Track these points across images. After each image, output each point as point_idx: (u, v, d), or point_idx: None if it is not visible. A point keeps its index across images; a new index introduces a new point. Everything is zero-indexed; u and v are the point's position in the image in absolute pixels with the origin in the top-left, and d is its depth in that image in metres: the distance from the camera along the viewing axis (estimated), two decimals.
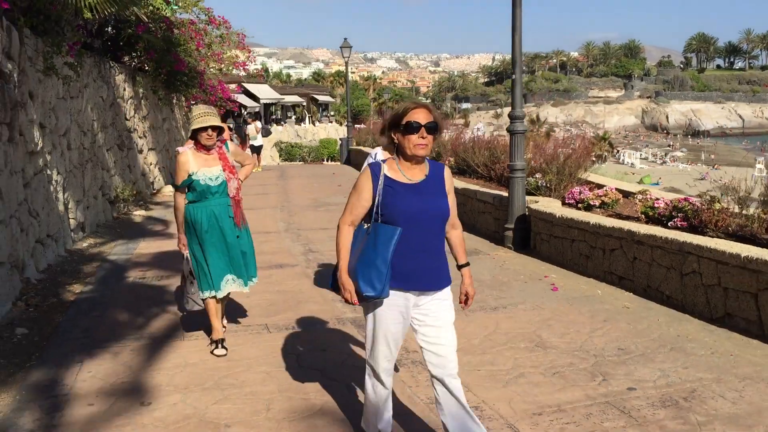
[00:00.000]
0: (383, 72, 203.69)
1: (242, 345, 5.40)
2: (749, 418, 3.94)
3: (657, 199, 8.32)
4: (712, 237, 6.47)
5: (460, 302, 3.42)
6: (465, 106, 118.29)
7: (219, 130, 5.17)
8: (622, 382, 4.49)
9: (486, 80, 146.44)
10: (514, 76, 8.81)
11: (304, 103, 57.75)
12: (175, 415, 4.13)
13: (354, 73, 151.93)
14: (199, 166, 5.12)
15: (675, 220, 7.48)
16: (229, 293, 5.34)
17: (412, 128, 3.16)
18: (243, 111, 36.07)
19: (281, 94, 52.92)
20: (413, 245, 3.19)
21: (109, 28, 13.42)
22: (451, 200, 3.36)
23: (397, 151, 3.29)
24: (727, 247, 5.64)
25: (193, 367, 4.95)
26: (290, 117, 55.49)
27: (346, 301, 3.27)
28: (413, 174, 3.26)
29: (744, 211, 7.12)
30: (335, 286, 3.36)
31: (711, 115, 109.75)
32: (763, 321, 5.29)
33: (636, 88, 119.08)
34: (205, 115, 5.07)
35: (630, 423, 3.89)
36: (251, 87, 44.61)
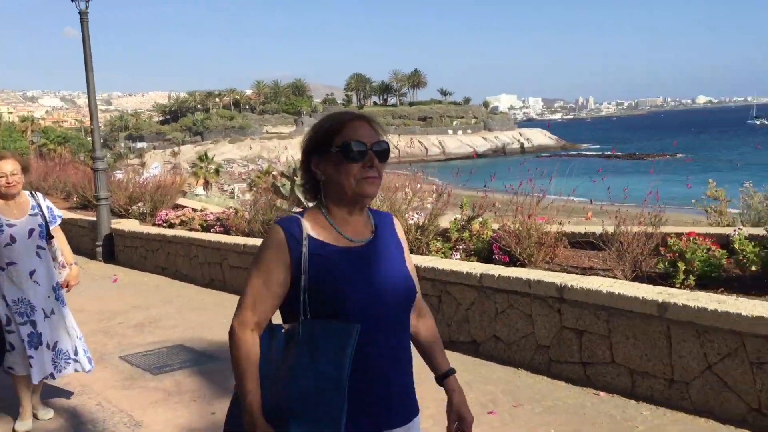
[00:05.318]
0: (47, 111, 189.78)
1: None
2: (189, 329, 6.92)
3: (210, 213, 11.52)
4: (234, 236, 9.63)
5: None
6: (140, 145, 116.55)
7: None
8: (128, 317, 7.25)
9: (161, 118, 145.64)
10: (91, 127, 11.31)
11: None
12: None
13: (12, 113, 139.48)
14: None
15: (216, 227, 10.66)
16: None
17: (352, 153, 1.93)
18: None
19: None
20: (376, 352, 1.93)
21: None
22: (411, 268, 2.14)
23: (323, 194, 2.02)
24: (194, 234, 8.90)
25: None
26: None
27: None
28: (355, 230, 2.02)
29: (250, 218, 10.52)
30: None
31: None
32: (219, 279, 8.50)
33: (305, 124, 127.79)
34: None
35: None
36: None
